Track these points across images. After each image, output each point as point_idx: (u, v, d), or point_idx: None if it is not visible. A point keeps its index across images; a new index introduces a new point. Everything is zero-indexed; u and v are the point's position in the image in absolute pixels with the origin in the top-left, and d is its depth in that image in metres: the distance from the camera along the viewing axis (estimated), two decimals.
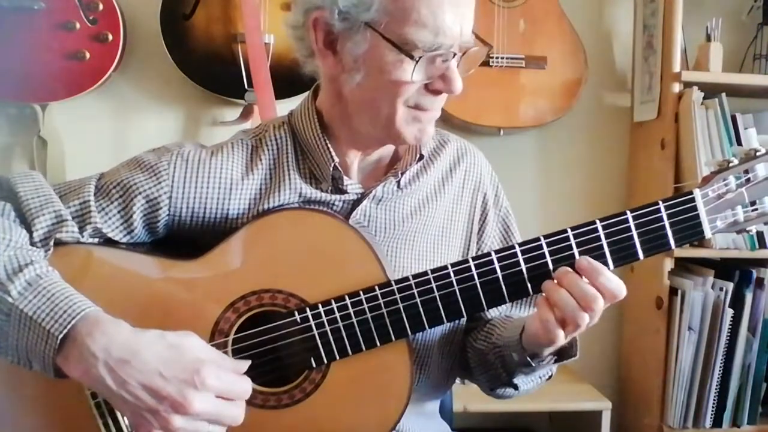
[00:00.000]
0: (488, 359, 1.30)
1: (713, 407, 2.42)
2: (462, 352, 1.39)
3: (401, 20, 1.13)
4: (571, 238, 1.13)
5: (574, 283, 1.10)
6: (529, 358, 1.20)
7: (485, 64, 2.48)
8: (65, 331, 1.02)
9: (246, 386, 1.08)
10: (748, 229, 1.14)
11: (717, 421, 2.43)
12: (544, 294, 1.12)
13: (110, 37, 2.33)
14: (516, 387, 1.30)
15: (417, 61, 1.14)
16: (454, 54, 1.16)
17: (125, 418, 1.15)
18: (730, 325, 2.38)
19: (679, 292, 2.38)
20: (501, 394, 1.37)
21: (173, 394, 1.01)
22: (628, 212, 1.12)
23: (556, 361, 1.23)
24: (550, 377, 1.36)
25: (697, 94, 2.36)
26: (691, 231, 1.13)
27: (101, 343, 1.02)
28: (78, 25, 2.30)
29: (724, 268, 2.43)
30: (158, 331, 1.05)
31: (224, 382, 1.05)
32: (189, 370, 1.03)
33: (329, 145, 1.26)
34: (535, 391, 1.37)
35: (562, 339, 1.13)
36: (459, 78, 1.18)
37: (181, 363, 1.03)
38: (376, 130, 1.24)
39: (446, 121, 2.48)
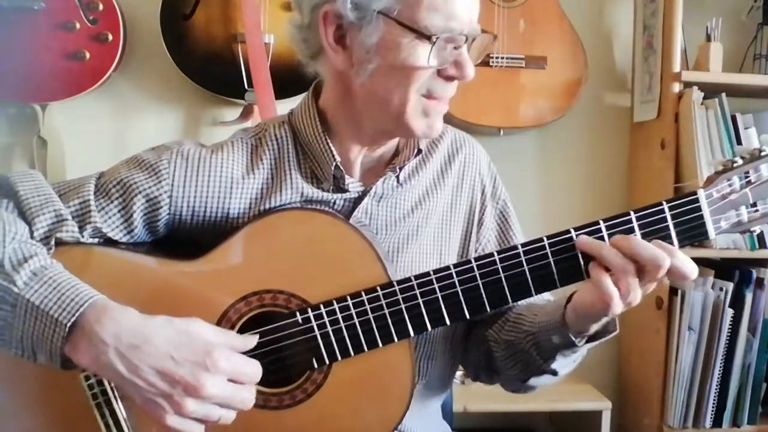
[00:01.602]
0: (521, 348, 1.29)
1: (713, 407, 2.42)
2: (482, 349, 1.38)
3: (414, 6, 1.14)
4: (575, 238, 1.12)
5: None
6: (572, 337, 1.18)
7: (485, 64, 2.48)
8: (74, 319, 1.02)
9: (256, 369, 1.09)
10: (752, 229, 1.14)
11: (717, 421, 2.43)
12: (621, 252, 1.09)
13: (110, 37, 2.32)
14: (554, 372, 1.28)
15: (433, 44, 1.14)
16: (466, 39, 1.17)
17: (126, 418, 1.15)
18: (730, 325, 2.38)
19: (679, 292, 2.38)
20: (532, 386, 1.34)
21: (186, 377, 1.01)
22: (632, 212, 1.12)
23: (594, 339, 1.21)
24: (580, 361, 1.33)
25: (697, 94, 2.36)
26: (695, 231, 1.12)
27: (111, 329, 1.02)
28: (78, 25, 2.29)
29: (724, 268, 2.43)
30: (165, 316, 1.06)
31: (235, 364, 1.06)
32: (200, 352, 1.03)
33: (330, 145, 1.26)
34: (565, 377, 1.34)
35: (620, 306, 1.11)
36: (471, 64, 1.19)
37: (191, 346, 1.03)
38: (386, 123, 1.24)
39: (447, 121, 2.43)
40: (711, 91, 2.41)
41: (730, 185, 1.12)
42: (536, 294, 1.15)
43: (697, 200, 1.12)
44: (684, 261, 1.09)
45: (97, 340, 1.02)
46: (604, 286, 1.09)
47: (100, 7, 2.31)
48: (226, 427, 1.08)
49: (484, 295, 1.14)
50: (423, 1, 1.14)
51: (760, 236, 2.39)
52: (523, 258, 1.13)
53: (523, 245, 1.14)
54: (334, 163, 1.26)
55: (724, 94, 2.42)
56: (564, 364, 1.27)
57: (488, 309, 1.15)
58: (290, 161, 1.29)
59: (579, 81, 2.58)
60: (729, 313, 2.38)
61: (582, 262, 1.12)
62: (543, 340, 1.23)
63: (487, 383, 1.45)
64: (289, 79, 2.31)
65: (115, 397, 1.13)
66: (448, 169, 1.39)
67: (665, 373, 2.43)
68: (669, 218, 1.11)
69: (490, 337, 1.36)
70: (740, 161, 1.12)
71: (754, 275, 2.41)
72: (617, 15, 2.76)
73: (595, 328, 1.18)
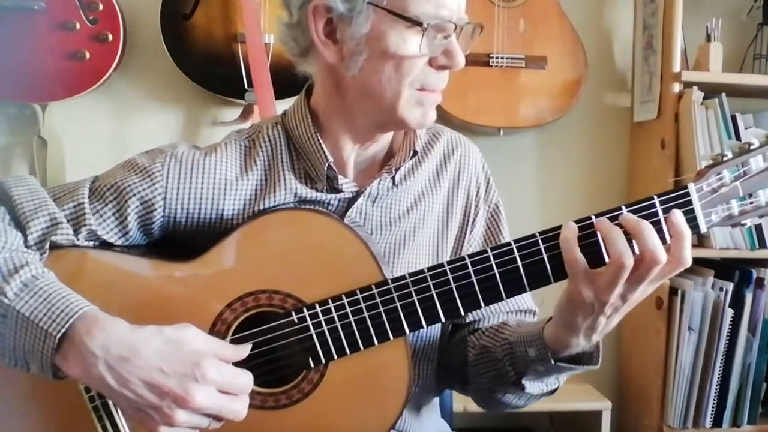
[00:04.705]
0: (494, 356, 1.28)
1: (713, 407, 2.42)
2: (459, 351, 1.37)
3: None
4: None
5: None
6: (547, 352, 1.17)
7: (485, 64, 2.49)
8: (63, 331, 1.02)
9: (246, 379, 1.08)
10: (743, 222, 1.13)
11: (717, 421, 2.44)
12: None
13: (110, 37, 2.33)
14: (523, 388, 1.26)
15: (425, 30, 1.14)
16: (455, 27, 1.17)
17: (124, 420, 1.15)
18: (730, 325, 2.38)
19: (679, 292, 2.38)
20: (499, 400, 1.33)
21: (174, 388, 1.01)
22: (623, 207, 1.11)
23: (573, 361, 1.19)
24: (554, 391, 1.32)
25: (697, 94, 2.36)
26: (688, 229, 1.11)
27: (100, 341, 1.02)
28: (78, 25, 2.30)
29: (724, 268, 2.43)
30: (156, 326, 1.05)
31: (225, 375, 1.05)
32: (189, 363, 1.02)
33: (323, 145, 1.26)
34: (534, 402, 1.33)
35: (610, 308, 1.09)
36: (461, 52, 1.19)
37: (180, 357, 1.03)
38: (379, 115, 1.23)
39: (446, 121, 2.47)
40: (711, 91, 2.41)
41: (720, 179, 1.11)
42: (530, 290, 1.14)
43: (687, 194, 1.11)
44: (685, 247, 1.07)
45: (87, 352, 1.01)
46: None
47: (100, 7, 2.31)
48: (224, 428, 1.08)
49: (478, 292, 1.14)
50: None
51: (760, 236, 2.40)
52: (516, 254, 1.12)
53: (516, 241, 1.13)
54: (326, 163, 1.25)
55: (724, 94, 2.42)
56: (535, 384, 1.26)
57: (483, 305, 1.15)
58: (283, 162, 1.28)
59: (579, 81, 2.58)
60: (729, 313, 2.38)
61: None
62: (519, 351, 1.22)
63: (460, 392, 1.43)
64: (289, 79, 2.28)
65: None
66: (444, 170, 1.38)
67: (665, 373, 2.43)
68: (660, 212, 1.10)
69: (470, 342, 1.35)
70: (730, 155, 1.12)
71: (754, 275, 2.41)
72: (617, 15, 2.76)
73: (572, 344, 1.15)
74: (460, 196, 1.39)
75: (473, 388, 1.37)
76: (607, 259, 1.07)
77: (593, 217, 1.11)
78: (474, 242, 1.39)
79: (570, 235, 1.08)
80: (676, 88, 2.42)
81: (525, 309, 1.40)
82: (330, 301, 1.16)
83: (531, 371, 1.22)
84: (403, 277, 1.15)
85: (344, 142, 1.29)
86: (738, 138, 2.42)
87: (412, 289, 1.15)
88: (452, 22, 1.17)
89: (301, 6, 1.20)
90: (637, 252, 1.05)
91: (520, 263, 1.13)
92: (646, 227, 1.06)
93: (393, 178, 1.31)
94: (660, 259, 1.05)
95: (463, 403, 2.29)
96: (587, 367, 1.20)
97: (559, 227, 1.12)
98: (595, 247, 1.09)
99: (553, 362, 1.18)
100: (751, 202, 1.12)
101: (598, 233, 1.08)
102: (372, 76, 1.19)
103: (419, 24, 1.14)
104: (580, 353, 1.19)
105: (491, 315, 1.38)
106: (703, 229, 1.12)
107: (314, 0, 1.17)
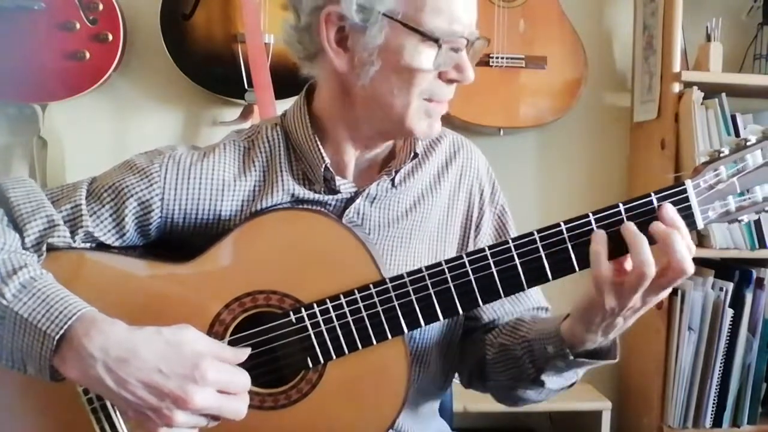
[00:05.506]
0: (514, 354, 1.28)
1: (713, 407, 2.42)
2: (477, 350, 1.37)
3: (418, 8, 1.15)
4: (564, 231, 1.12)
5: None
6: (566, 350, 1.18)
7: (485, 64, 2.49)
8: (61, 332, 1.01)
9: (245, 379, 1.08)
10: (740, 218, 1.13)
11: (717, 421, 2.43)
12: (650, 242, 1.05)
13: (110, 37, 2.33)
14: (542, 384, 1.26)
15: (439, 46, 1.15)
16: (467, 42, 1.18)
17: (122, 422, 1.15)
18: (730, 325, 2.38)
19: (679, 292, 2.38)
20: (520, 396, 1.33)
21: (174, 390, 1.01)
22: (620, 204, 1.11)
23: (591, 356, 1.19)
24: (572, 384, 1.31)
25: (697, 94, 2.36)
26: (683, 222, 1.11)
27: (98, 342, 1.01)
28: (78, 25, 2.30)
29: (724, 268, 2.43)
30: (154, 327, 1.05)
31: (224, 375, 1.05)
32: (188, 364, 1.02)
33: (320, 147, 1.25)
34: (554, 396, 1.32)
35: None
36: (471, 67, 1.20)
37: (179, 358, 1.03)
38: (386, 125, 1.24)
39: (447, 121, 2.43)
40: (711, 91, 2.41)
41: (716, 175, 1.11)
42: (528, 287, 1.14)
43: (684, 191, 1.10)
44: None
45: (86, 354, 1.01)
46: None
47: (100, 7, 2.32)
48: (222, 428, 1.08)
49: (476, 290, 1.14)
50: (427, 3, 1.14)
51: (760, 236, 2.39)
52: (514, 252, 1.13)
53: (514, 239, 1.13)
54: (323, 164, 1.25)
55: (724, 94, 2.42)
56: (555, 379, 1.26)
57: (480, 304, 1.15)
58: (282, 163, 1.28)
59: (579, 81, 2.58)
60: (729, 313, 2.37)
61: (573, 255, 1.12)
62: (537, 348, 1.23)
63: (480, 391, 1.43)
64: (289, 79, 2.27)
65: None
66: (446, 172, 1.38)
67: (665, 373, 2.43)
68: (658, 209, 1.10)
69: (487, 341, 1.35)
70: (726, 151, 1.12)
71: (754, 275, 2.41)
72: (617, 15, 2.76)
73: (588, 340, 1.16)
74: (461, 200, 1.38)
75: (493, 386, 1.38)
76: (630, 267, 1.07)
77: (591, 214, 1.12)
78: (481, 245, 1.39)
79: (600, 248, 1.08)
80: (676, 88, 2.42)
81: (539, 306, 1.40)
82: (328, 301, 1.15)
83: (551, 367, 1.23)
84: (401, 276, 1.15)
85: (346, 146, 1.28)
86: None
87: (410, 288, 1.15)
88: (464, 37, 1.17)
89: (312, 11, 1.19)
90: (663, 260, 1.05)
91: (517, 261, 1.13)
92: (676, 237, 1.05)
93: (392, 179, 1.31)
94: (688, 270, 1.05)
95: (463, 403, 2.29)
96: (606, 361, 1.20)
97: (556, 225, 1.12)
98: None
99: (572, 357, 1.18)
100: (749, 198, 1.12)
101: (624, 237, 1.08)
102: (382, 86, 1.19)
103: (435, 40, 1.15)
104: (598, 348, 1.19)
105: (506, 315, 1.38)
106: (701, 225, 1.11)
107: (327, 7, 1.17)
